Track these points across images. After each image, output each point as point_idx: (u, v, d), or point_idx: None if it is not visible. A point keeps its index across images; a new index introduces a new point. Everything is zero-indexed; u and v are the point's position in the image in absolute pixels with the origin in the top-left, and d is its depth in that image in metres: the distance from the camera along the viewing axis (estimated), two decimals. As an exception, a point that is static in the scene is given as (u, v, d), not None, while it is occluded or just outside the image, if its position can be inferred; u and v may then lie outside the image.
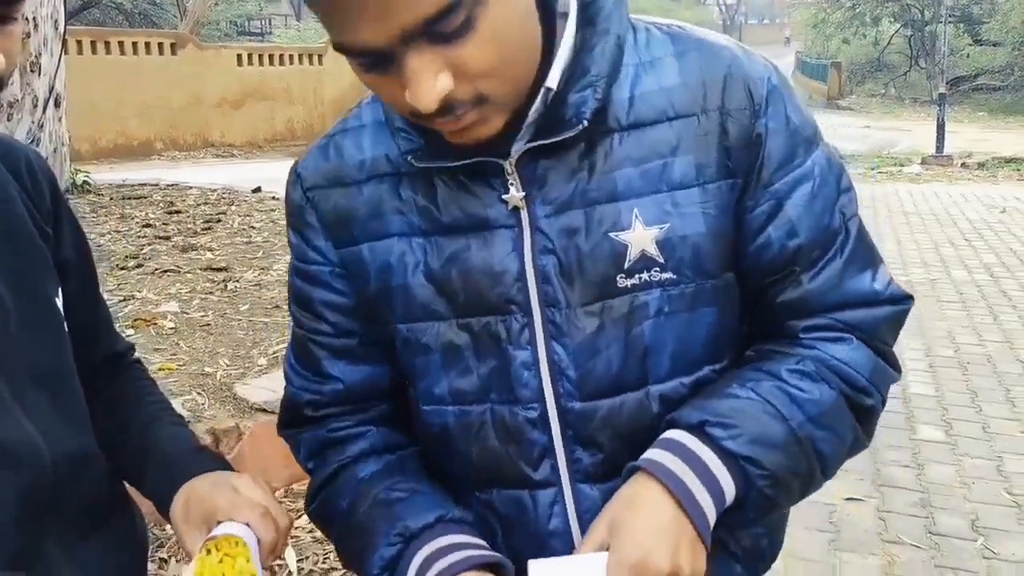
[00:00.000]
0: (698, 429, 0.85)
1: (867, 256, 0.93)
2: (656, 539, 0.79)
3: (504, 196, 0.87)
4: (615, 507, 0.83)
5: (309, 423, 1.02)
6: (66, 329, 0.95)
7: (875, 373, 0.91)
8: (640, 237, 0.86)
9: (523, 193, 0.87)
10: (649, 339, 0.88)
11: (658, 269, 0.87)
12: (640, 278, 0.87)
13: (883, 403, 0.94)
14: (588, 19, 0.85)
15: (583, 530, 0.90)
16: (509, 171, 0.86)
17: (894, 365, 0.95)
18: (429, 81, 0.73)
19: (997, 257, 7.60)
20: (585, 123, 0.84)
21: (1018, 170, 13.53)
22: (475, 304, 0.89)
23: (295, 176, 0.97)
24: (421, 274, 0.91)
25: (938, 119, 15.26)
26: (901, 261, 7.46)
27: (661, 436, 0.87)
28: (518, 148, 0.85)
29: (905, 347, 5.16)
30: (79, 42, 12.04)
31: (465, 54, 0.73)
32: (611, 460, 0.90)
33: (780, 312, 0.92)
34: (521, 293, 0.88)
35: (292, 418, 1.03)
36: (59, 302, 0.95)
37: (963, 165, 14.15)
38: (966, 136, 17.46)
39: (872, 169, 13.75)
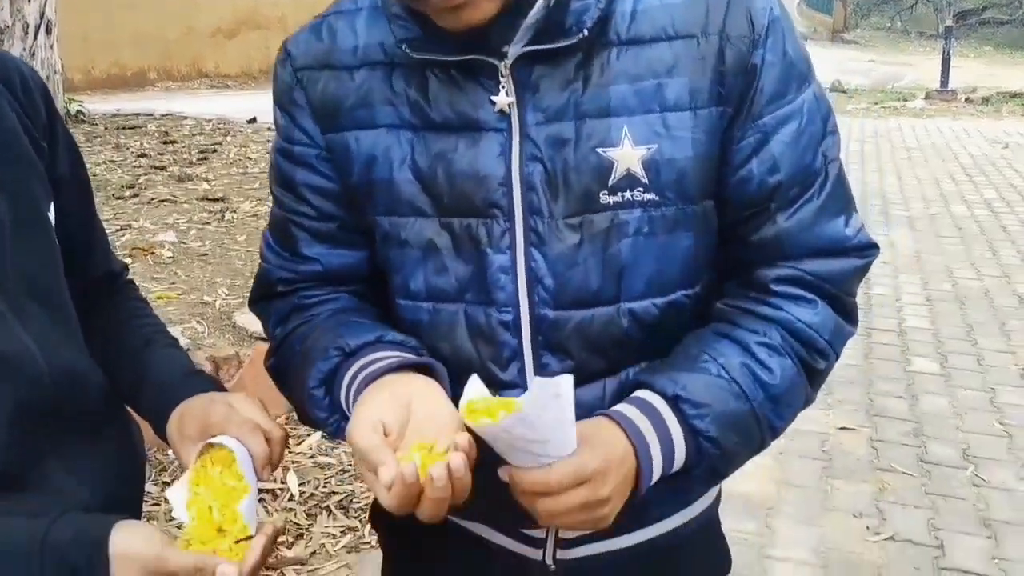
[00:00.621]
0: (672, 401, 0.87)
1: (843, 202, 0.94)
2: (614, 469, 0.82)
3: (493, 98, 0.87)
4: (588, 427, 0.84)
5: (280, 296, 1.02)
6: (57, 244, 0.95)
7: (835, 334, 0.94)
8: (627, 155, 0.86)
9: (512, 98, 0.86)
10: (626, 258, 0.89)
11: (641, 189, 0.87)
12: (623, 196, 0.87)
13: (836, 359, 0.96)
14: None
15: None
16: (504, 73, 0.86)
17: (853, 319, 0.97)
18: None
19: (998, 192, 7.57)
20: (585, 32, 0.83)
21: (1022, 105, 13.38)
22: (458, 205, 0.90)
23: (285, 54, 0.96)
24: (408, 169, 0.91)
25: (943, 53, 15.03)
26: (902, 196, 7.43)
27: (637, 395, 0.89)
28: (515, 51, 0.85)
29: (903, 281, 5.18)
30: (69, -32, 11.77)
31: None
32: (578, 368, 0.91)
33: (753, 251, 0.93)
34: (505, 198, 0.88)
35: (264, 293, 1.03)
36: (51, 217, 0.95)
37: (967, 100, 13.99)
38: (971, 71, 17.24)
39: (875, 104, 13.60)
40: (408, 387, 0.85)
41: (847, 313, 0.96)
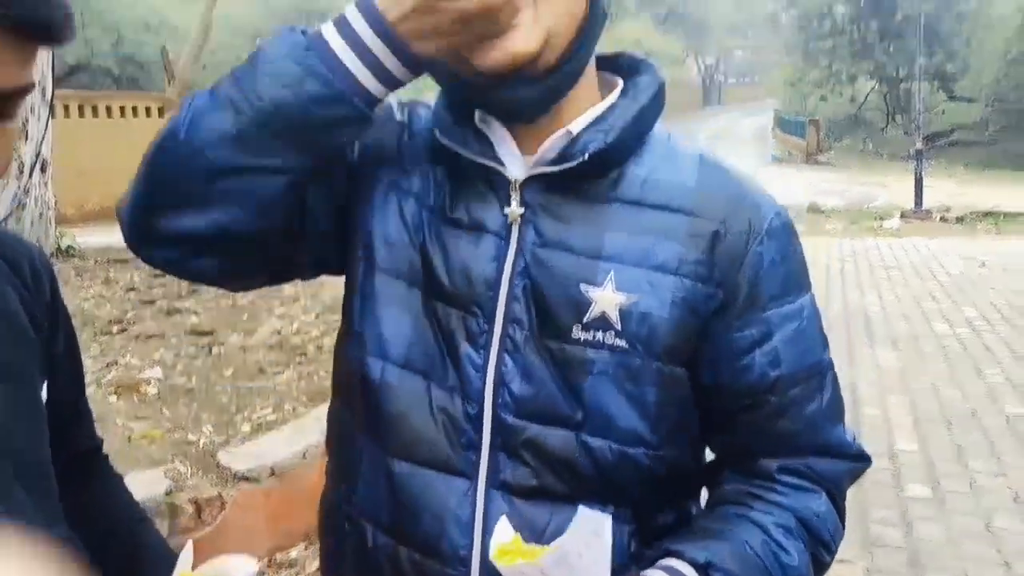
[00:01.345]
0: (702, 569, 0.88)
1: (841, 408, 1.00)
2: None
3: (506, 210, 0.93)
4: None
5: None
6: (46, 425, 0.97)
7: (836, 530, 0.97)
8: (606, 299, 0.90)
9: (523, 209, 0.93)
10: (588, 394, 0.91)
11: (613, 334, 0.91)
12: (594, 336, 0.91)
13: (833, 557, 0.98)
14: (630, 93, 0.95)
15: (486, 528, 0.91)
16: (514, 188, 0.93)
17: (844, 520, 1.00)
18: None
19: (978, 311, 7.67)
20: (586, 156, 0.90)
21: (995, 224, 13.74)
22: (446, 293, 0.94)
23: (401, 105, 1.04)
24: (419, 242, 0.96)
25: (916, 174, 15.52)
26: (883, 314, 7.51)
27: (667, 563, 0.89)
28: (525, 172, 0.93)
29: (891, 403, 5.18)
30: (66, 106, 12.11)
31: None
32: (529, 479, 0.92)
33: (754, 440, 0.97)
34: (490, 302, 0.93)
35: None
36: (43, 396, 0.97)
37: (942, 219, 14.35)
38: (944, 190, 17.73)
39: (852, 223, 13.92)
40: None
41: (841, 513, 0.99)
